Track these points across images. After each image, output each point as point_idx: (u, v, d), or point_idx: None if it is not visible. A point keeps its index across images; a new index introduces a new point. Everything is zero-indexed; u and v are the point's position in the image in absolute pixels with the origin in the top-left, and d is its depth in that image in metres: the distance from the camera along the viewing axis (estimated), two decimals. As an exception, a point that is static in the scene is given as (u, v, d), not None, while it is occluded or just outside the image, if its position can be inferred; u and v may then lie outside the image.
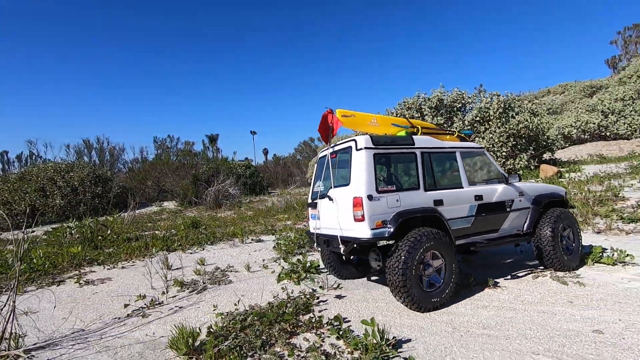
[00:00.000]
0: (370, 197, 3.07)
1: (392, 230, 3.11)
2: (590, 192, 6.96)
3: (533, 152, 12.70)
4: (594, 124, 18.07)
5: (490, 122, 12.53)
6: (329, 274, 4.18)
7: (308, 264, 4.21)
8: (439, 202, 3.43)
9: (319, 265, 4.29)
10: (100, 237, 8.11)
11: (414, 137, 3.56)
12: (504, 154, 11.80)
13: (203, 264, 5.17)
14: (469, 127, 12.69)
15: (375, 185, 3.14)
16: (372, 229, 3.08)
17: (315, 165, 3.86)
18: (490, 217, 3.77)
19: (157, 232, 9.43)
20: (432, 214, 3.28)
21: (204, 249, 6.38)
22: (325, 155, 3.61)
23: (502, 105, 12.71)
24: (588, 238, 5.02)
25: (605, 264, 3.83)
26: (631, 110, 17.25)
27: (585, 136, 18.68)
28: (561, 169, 11.77)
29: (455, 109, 13.90)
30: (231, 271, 4.87)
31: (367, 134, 3.61)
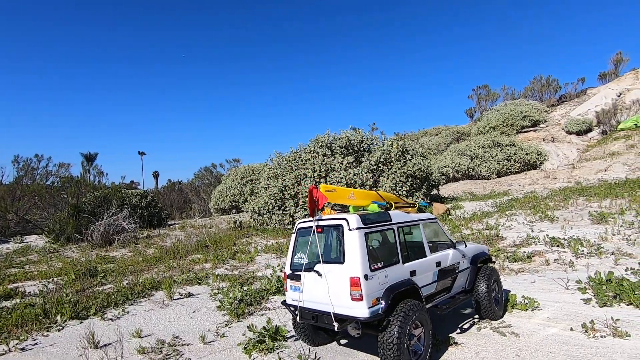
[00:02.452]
0: (366, 277, 3.18)
1: (385, 306, 3.27)
2: (480, 233, 8.40)
3: (425, 190, 14.68)
4: (465, 165, 21.90)
5: (392, 164, 14.12)
6: (297, 339, 4.03)
7: (275, 330, 3.95)
8: (413, 273, 3.71)
9: (286, 332, 4.04)
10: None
11: (389, 212, 3.81)
12: (404, 192, 13.36)
13: (140, 336, 4.23)
14: (374, 167, 14.04)
15: (369, 264, 3.28)
16: (369, 308, 3.20)
17: (294, 235, 3.84)
18: (447, 280, 4.21)
19: (29, 285, 7.61)
20: (412, 285, 3.56)
21: (126, 311, 5.18)
22: (308, 227, 3.59)
23: (401, 149, 14.49)
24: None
25: (520, 309, 4.64)
26: (489, 157, 21.50)
27: (459, 175, 22.43)
28: (447, 206, 13.86)
29: (362, 149, 15.27)
30: (182, 344, 4.11)
31: (352, 209, 3.83)
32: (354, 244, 3.26)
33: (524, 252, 6.83)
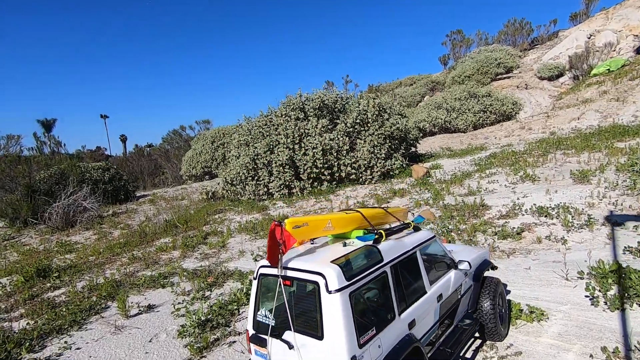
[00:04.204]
0: (354, 358, 2.33)
1: None
2: (464, 203, 8.04)
3: (404, 150, 14.19)
4: (441, 119, 21.44)
5: (369, 125, 13.38)
6: None
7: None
8: (412, 324, 2.82)
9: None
10: None
11: (380, 247, 2.78)
12: (382, 155, 12.81)
13: None
14: (350, 130, 13.27)
15: (357, 338, 2.38)
16: None
17: (255, 281, 2.81)
18: (449, 311, 3.37)
19: None
20: (412, 345, 2.67)
21: (69, 345, 4.19)
22: (273, 274, 2.62)
23: (378, 109, 13.69)
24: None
25: (525, 320, 4.02)
26: (465, 109, 21.06)
27: (435, 129, 22.05)
28: (426, 165, 13.51)
29: (337, 110, 14.35)
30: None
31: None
32: (335, 312, 2.32)
33: (513, 227, 6.52)
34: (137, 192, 23.19)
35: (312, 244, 2.91)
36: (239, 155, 14.30)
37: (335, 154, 12.61)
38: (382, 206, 3.75)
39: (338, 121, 13.63)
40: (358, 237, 2.91)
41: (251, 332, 2.80)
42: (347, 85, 46.42)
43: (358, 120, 13.34)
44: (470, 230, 6.62)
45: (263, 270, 2.72)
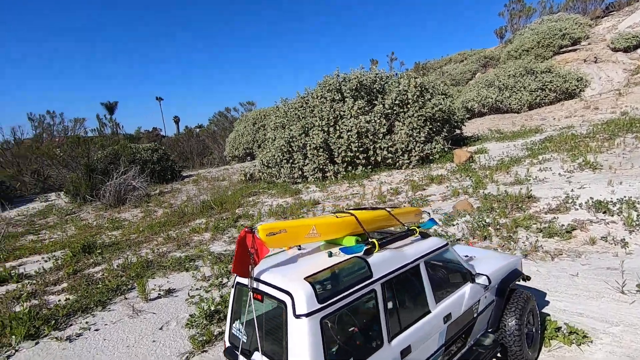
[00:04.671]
0: None
1: None
2: (507, 195, 7.28)
3: (446, 133, 13.27)
4: (492, 98, 19.77)
5: (409, 106, 12.62)
6: None
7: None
8: (406, 351, 2.37)
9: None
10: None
11: (370, 260, 2.34)
12: (422, 139, 12.07)
13: None
14: (389, 111, 12.62)
15: None
16: None
17: (232, 289, 2.53)
18: (460, 333, 2.85)
19: (35, 263, 7.42)
20: None
21: (90, 325, 4.41)
22: (246, 286, 2.30)
23: (419, 88, 12.84)
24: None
25: (562, 342, 3.41)
26: (520, 87, 19.18)
27: (485, 109, 20.43)
28: (470, 150, 12.55)
29: (375, 90, 13.69)
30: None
31: (309, 278, 2.14)
32: (302, 341, 1.95)
33: (562, 224, 5.75)
34: (184, 172, 24.32)
35: (300, 249, 2.58)
36: (275, 137, 14.28)
37: (371, 137, 12.10)
38: (387, 208, 3.16)
39: (376, 102, 13.02)
40: (342, 249, 2.39)
41: (227, 343, 2.54)
42: (392, 64, 44.50)
43: (397, 102, 12.63)
44: (511, 225, 5.97)
45: (239, 279, 2.44)
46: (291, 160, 13.31)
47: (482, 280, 2.98)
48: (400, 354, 2.35)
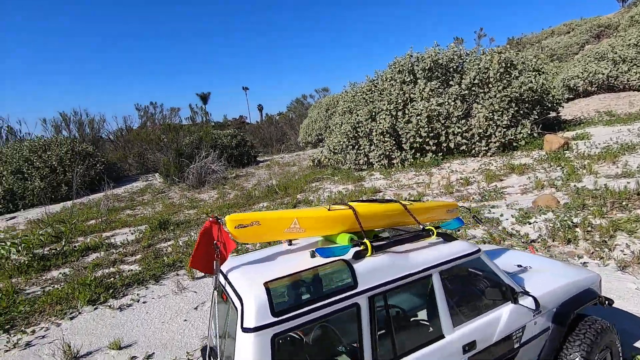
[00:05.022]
0: None
1: None
2: (607, 190, 5.94)
3: (537, 116, 11.49)
4: (603, 74, 16.55)
5: (490, 85, 11.18)
6: None
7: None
8: None
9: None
10: (54, 251, 7.28)
11: (356, 266, 1.88)
12: (504, 122, 10.61)
13: (118, 347, 3.73)
14: (466, 92, 11.35)
15: None
16: None
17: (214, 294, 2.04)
18: None
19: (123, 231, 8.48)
20: None
21: (140, 297, 4.82)
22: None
23: (504, 65, 11.27)
24: (610, 281, 3.77)
25: None
26: (645, 58, 15.66)
27: (592, 88, 17.24)
28: (566, 135, 10.67)
29: (451, 69, 12.44)
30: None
31: (270, 284, 1.75)
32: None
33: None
34: (259, 157, 25.55)
35: (290, 245, 2.25)
36: (342, 123, 14.00)
37: (443, 121, 11.06)
38: (403, 201, 2.56)
39: (452, 83, 11.82)
40: (319, 250, 1.91)
41: (208, 343, 2.27)
42: (479, 41, 40.34)
43: (476, 81, 11.29)
44: (607, 227, 4.83)
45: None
46: (357, 146, 12.93)
47: (527, 302, 2.25)
48: None
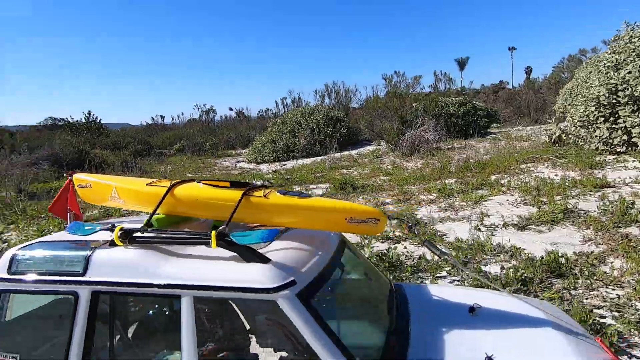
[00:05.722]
0: None
1: None
2: None
3: None
4: None
5: None
6: None
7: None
8: None
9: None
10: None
11: (95, 253, 1.63)
12: None
13: None
14: None
15: None
16: None
17: None
18: None
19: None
20: None
21: None
22: None
23: None
24: None
25: None
26: None
27: None
28: None
29: None
30: None
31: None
32: None
33: None
34: (492, 129, 22.33)
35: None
36: (596, 83, 10.02)
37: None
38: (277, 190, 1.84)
39: None
40: (69, 227, 1.77)
41: None
42: None
43: None
44: None
45: None
46: (612, 118, 9.00)
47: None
48: None
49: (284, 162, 21.07)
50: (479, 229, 5.10)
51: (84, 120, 27.78)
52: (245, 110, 42.68)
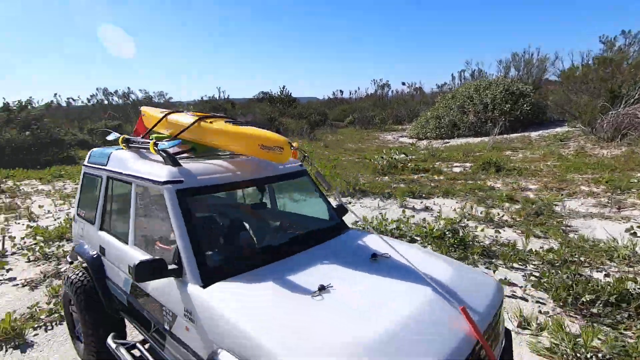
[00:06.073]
0: None
1: None
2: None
3: None
4: None
5: None
6: None
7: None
8: (103, 251, 2.57)
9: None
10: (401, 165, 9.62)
11: (113, 153, 2.66)
12: None
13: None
14: None
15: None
16: None
17: None
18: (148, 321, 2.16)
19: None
20: None
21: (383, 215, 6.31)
22: None
23: None
24: None
25: None
26: None
27: None
28: None
29: None
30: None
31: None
32: None
33: None
34: None
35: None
36: None
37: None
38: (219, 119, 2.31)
39: None
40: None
41: None
42: None
43: None
44: None
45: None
46: None
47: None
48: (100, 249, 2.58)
49: (446, 140, 20.00)
50: (635, 233, 4.04)
51: (278, 94, 33.56)
52: (419, 84, 41.60)
